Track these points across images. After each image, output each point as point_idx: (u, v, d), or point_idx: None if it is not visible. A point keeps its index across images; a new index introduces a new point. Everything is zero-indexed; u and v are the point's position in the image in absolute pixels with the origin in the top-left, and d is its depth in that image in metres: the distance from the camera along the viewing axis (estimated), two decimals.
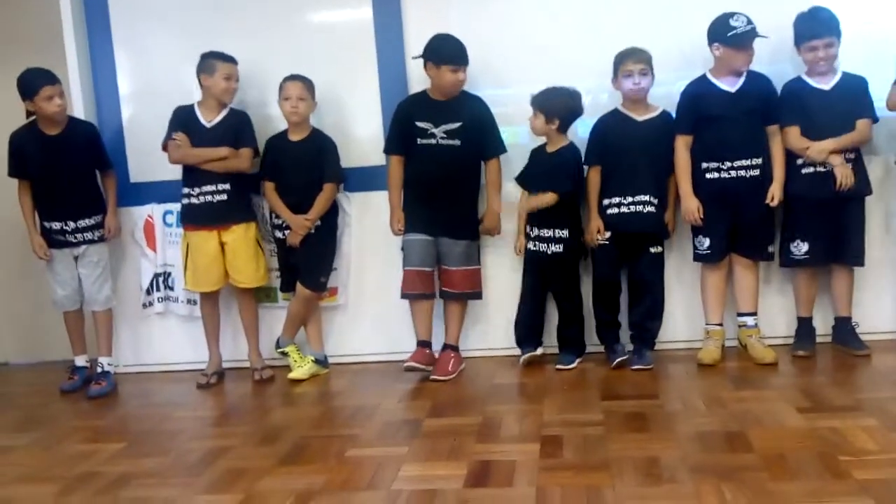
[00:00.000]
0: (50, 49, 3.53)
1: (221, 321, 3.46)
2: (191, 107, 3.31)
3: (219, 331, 3.45)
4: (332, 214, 3.35)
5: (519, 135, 3.30)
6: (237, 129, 3.29)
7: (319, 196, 3.26)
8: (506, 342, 3.32)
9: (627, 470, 2.10)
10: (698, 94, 3.05)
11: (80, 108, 3.54)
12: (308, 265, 3.31)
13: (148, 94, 3.52)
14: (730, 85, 3.01)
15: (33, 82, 3.17)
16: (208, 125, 3.27)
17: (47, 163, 3.27)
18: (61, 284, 3.38)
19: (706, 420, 2.46)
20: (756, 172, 2.99)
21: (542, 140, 3.19)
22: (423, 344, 3.24)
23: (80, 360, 3.51)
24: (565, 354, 3.19)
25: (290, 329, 3.39)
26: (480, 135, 3.16)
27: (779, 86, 3.04)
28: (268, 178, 3.32)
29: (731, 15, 2.93)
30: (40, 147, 3.26)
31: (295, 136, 3.29)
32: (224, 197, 3.27)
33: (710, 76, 3.05)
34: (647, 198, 3.05)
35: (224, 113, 3.30)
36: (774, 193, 2.98)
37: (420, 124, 3.15)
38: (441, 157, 3.14)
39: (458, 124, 3.12)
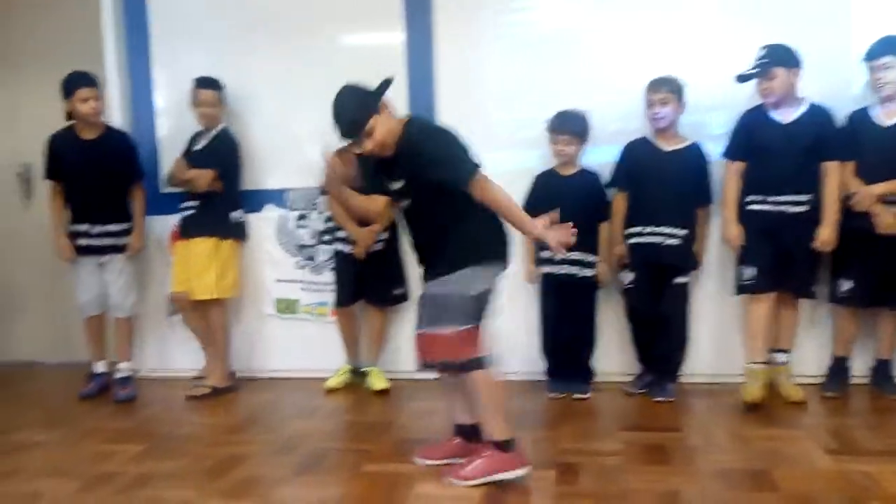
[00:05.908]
0: (90, 63, 3.58)
1: (230, 331, 3.54)
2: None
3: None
4: (395, 227, 3.29)
5: (533, 158, 3.26)
6: None
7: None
8: (522, 366, 3.24)
9: (645, 502, 2.06)
10: (753, 123, 2.93)
11: (117, 118, 3.66)
12: (378, 282, 3.31)
13: (182, 107, 3.53)
14: (784, 116, 2.88)
15: (72, 83, 3.26)
16: None
17: (81, 166, 3.34)
18: (85, 289, 3.42)
19: (729, 457, 2.40)
20: (802, 209, 2.85)
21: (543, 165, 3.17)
22: None
23: (100, 367, 3.49)
24: (580, 384, 3.12)
25: (372, 350, 3.39)
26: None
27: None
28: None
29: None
30: (76, 150, 3.34)
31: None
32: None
33: (765, 105, 2.92)
34: (670, 230, 2.98)
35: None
36: (821, 237, 2.82)
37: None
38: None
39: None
